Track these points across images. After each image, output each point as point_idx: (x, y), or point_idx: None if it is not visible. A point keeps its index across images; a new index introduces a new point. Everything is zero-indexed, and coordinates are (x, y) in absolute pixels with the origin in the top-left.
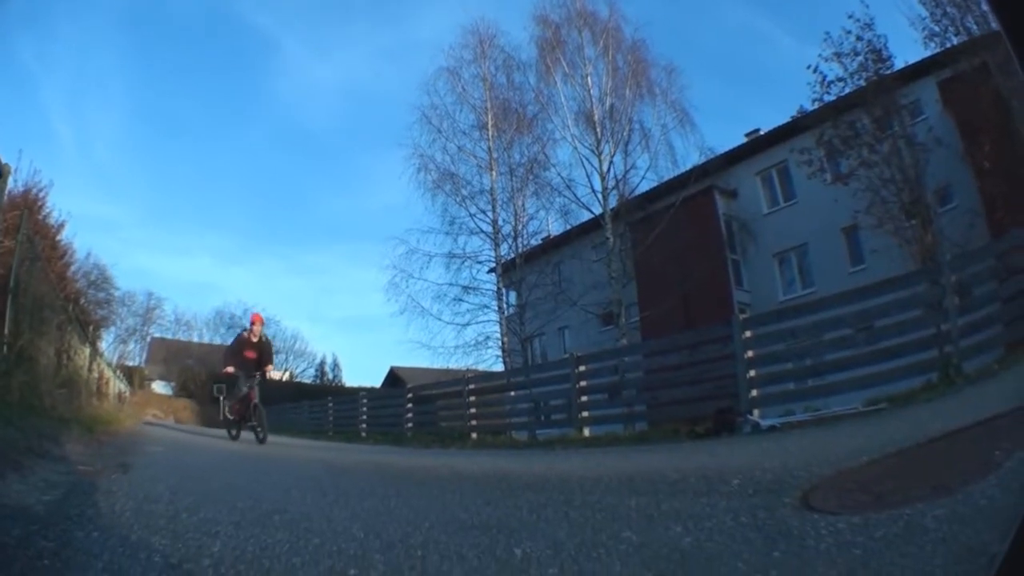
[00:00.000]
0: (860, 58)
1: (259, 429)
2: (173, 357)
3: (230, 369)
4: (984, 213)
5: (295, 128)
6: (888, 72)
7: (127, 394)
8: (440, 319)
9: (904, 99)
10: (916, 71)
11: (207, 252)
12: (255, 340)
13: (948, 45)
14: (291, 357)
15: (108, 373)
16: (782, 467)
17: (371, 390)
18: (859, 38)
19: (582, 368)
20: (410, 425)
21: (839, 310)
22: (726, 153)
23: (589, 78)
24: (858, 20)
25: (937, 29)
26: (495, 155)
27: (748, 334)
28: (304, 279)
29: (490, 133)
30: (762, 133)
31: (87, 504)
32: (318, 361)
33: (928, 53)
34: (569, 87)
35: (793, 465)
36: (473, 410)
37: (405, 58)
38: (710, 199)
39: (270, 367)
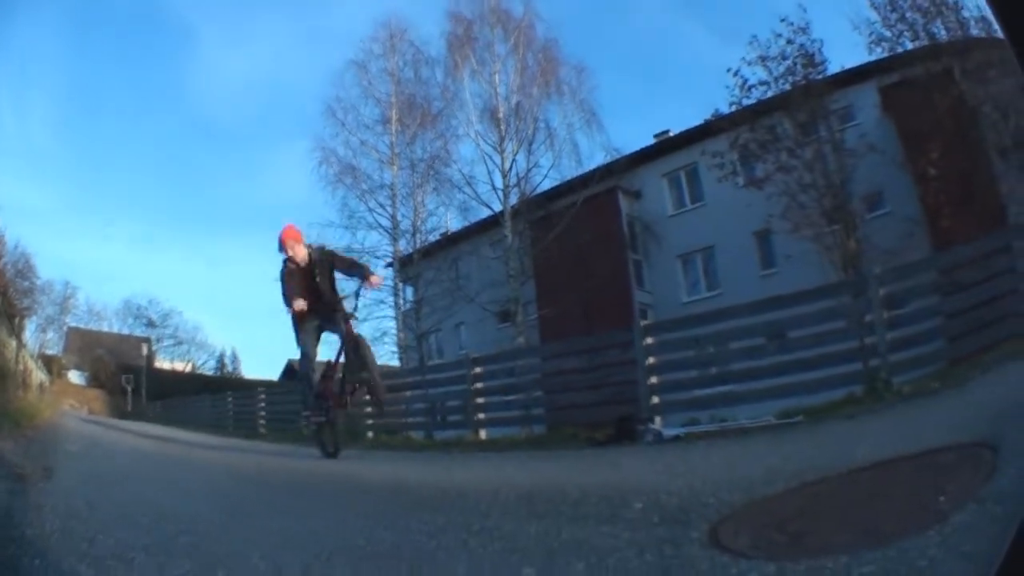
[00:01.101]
0: (788, 62)
1: (371, 387)
2: (87, 347)
3: (301, 304)
4: (925, 221)
5: (204, 116)
6: (819, 77)
7: (47, 384)
8: None
9: (835, 104)
10: (854, 76)
11: (116, 240)
12: (304, 265)
13: (900, 50)
14: (193, 348)
15: (31, 364)
16: (688, 490)
17: (269, 384)
18: (790, 42)
19: (478, 369)
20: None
21: (754, 318)
22: (633, 154)
23: (497, 75)
24: (791, 24)
25: (888, 34)
26: (397, 150)
27: (650, 340)
28: (206, 269)
29: (394, 128)
30: (672, 134)
31: (25, 523)
32: (218, 353)
33: (872, 57)
34: (476, 84)
35: (700, 488)
36: (369, 408)
37: (318, 49)
38: (613, 199)
39: (375, 277)
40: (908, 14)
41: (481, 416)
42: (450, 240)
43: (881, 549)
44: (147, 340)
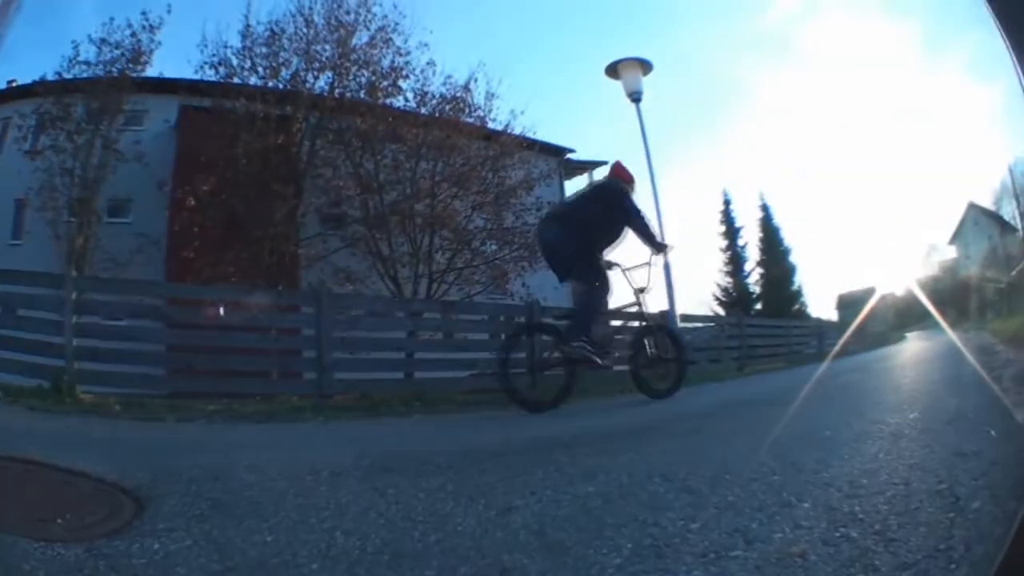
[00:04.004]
0: (118, 52)
1: None
2: None
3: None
4: (166, 247)
5: None
6: (132, 75)
7: None
8: None
9: (131, 105)
10: (165, 86)
11: None
12: None
13: (238, 81)
14: None
15: None
16: None
17: None
18: (134, 35)
19: None
20: None
21: None
22: None
23: None
24: (147, 19)
25: (235, 62)
26: None
27: None
28: None
29: None
30: (16, 84)
31: None
32: None
33: (202, 77)
34: None
35: None
36: None
37: None
38: None
39: None
40: (284, 54)
41: None
42: None
43: None
44: None
